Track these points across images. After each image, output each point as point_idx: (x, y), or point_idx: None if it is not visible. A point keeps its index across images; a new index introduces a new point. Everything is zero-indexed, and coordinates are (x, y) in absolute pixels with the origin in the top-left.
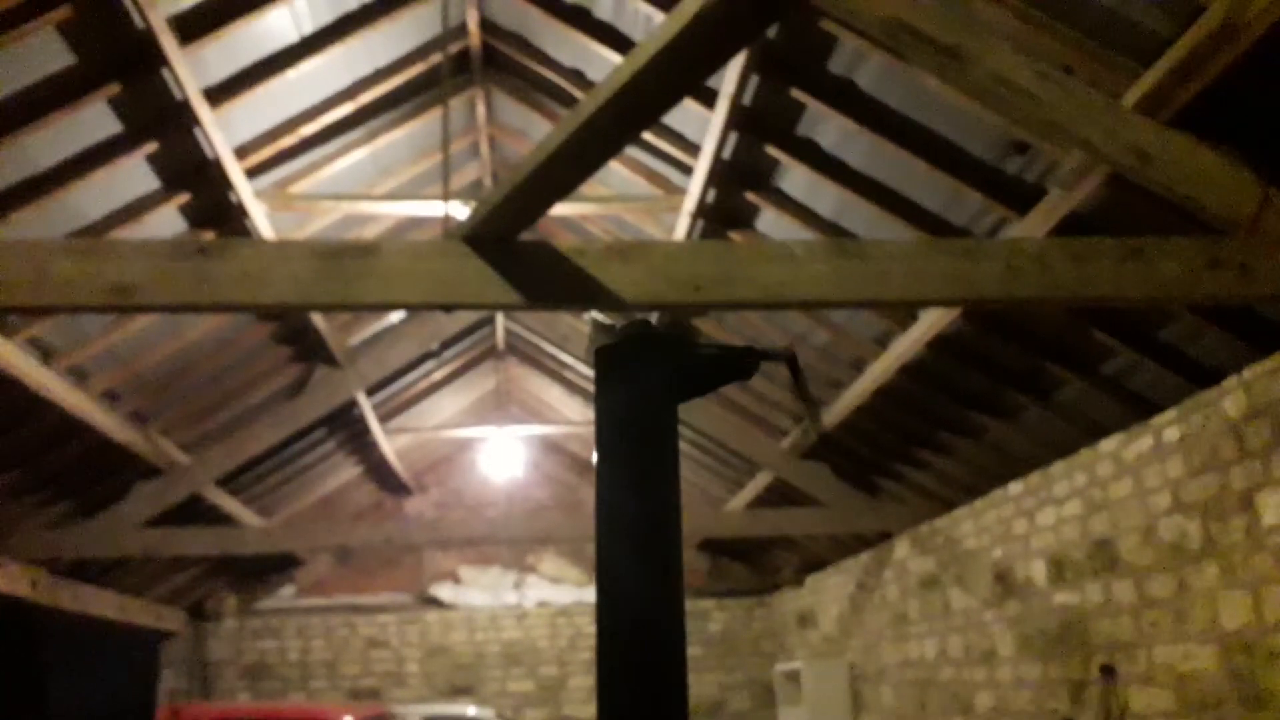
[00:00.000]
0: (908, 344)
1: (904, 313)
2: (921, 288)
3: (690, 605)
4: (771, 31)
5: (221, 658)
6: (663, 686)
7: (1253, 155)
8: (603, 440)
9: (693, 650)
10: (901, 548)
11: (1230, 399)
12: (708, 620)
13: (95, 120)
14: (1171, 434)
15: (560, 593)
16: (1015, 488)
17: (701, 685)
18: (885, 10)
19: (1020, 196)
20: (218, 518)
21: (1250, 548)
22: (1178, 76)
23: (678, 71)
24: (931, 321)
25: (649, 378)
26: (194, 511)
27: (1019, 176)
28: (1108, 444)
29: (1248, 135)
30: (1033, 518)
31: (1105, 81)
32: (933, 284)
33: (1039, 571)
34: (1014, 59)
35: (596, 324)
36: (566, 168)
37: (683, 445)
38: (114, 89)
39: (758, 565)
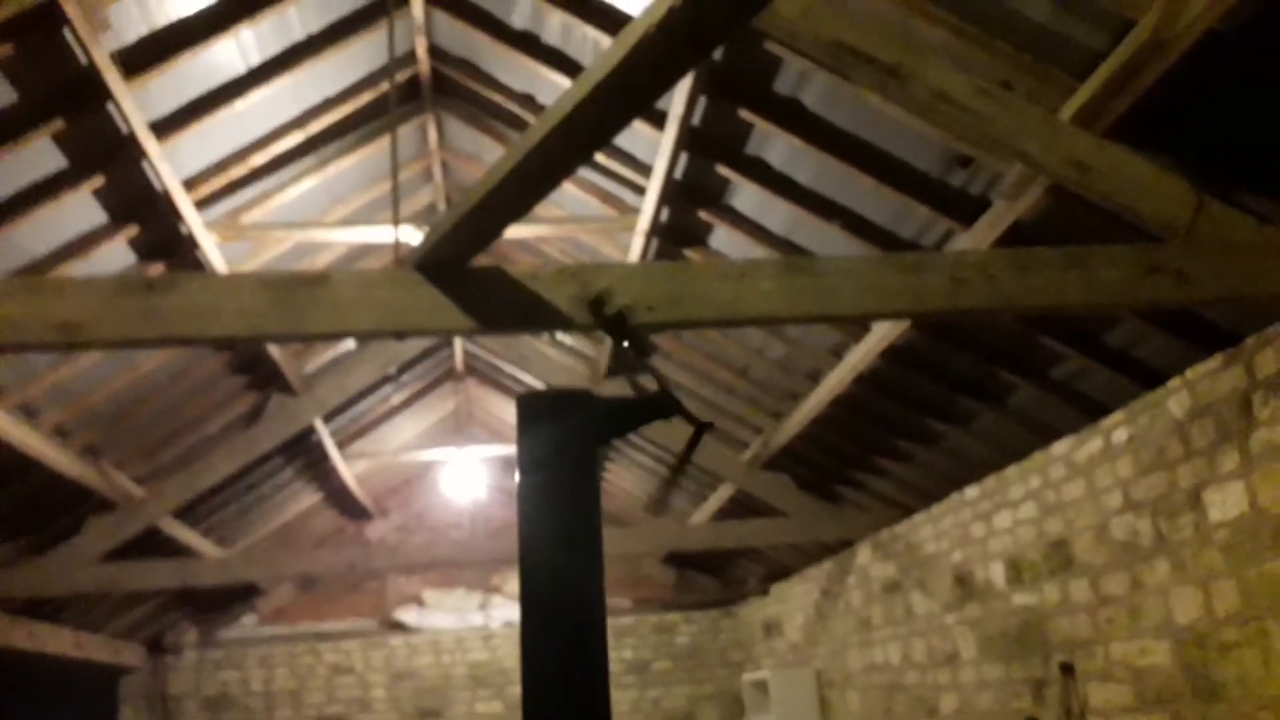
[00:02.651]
0: (861, 355)
1: (856, 325)
2: (870, 301)
3: (657, 619)
4: (718, 54)
5: (182, 691)
6: (585, 688)
7: (1185, 163)
8: (524, 488)
9: (661, 664)
10: (863, 554)
11: (1175, 399)
12: (675, 633)
13: (39, 156)
14: (1120, 435)
15: None
16: (972, 492)
17: (670, 698)
18: (827, 32)
19: (966, 209)
20: (175, 550)
21: (1199, 544)
22: (1112, 89)
23: (625, 95)
24: (884, 333)
25: (568, 428)
26: (151, 544)
27: (963, 189)
28: (1059, 447)
29: (1180, 144)
30: (990, 521)
31: (1043, 95)
32: (880, 297)
33: (997, 573)
34: (953, 76)
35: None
36: (517, 192)
37: (645, 460)
38: (58, 125)
39: (723, 576)
